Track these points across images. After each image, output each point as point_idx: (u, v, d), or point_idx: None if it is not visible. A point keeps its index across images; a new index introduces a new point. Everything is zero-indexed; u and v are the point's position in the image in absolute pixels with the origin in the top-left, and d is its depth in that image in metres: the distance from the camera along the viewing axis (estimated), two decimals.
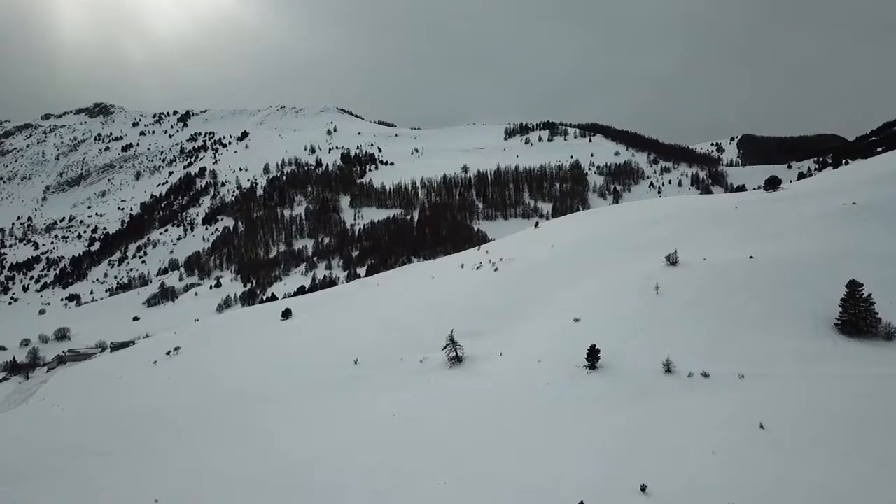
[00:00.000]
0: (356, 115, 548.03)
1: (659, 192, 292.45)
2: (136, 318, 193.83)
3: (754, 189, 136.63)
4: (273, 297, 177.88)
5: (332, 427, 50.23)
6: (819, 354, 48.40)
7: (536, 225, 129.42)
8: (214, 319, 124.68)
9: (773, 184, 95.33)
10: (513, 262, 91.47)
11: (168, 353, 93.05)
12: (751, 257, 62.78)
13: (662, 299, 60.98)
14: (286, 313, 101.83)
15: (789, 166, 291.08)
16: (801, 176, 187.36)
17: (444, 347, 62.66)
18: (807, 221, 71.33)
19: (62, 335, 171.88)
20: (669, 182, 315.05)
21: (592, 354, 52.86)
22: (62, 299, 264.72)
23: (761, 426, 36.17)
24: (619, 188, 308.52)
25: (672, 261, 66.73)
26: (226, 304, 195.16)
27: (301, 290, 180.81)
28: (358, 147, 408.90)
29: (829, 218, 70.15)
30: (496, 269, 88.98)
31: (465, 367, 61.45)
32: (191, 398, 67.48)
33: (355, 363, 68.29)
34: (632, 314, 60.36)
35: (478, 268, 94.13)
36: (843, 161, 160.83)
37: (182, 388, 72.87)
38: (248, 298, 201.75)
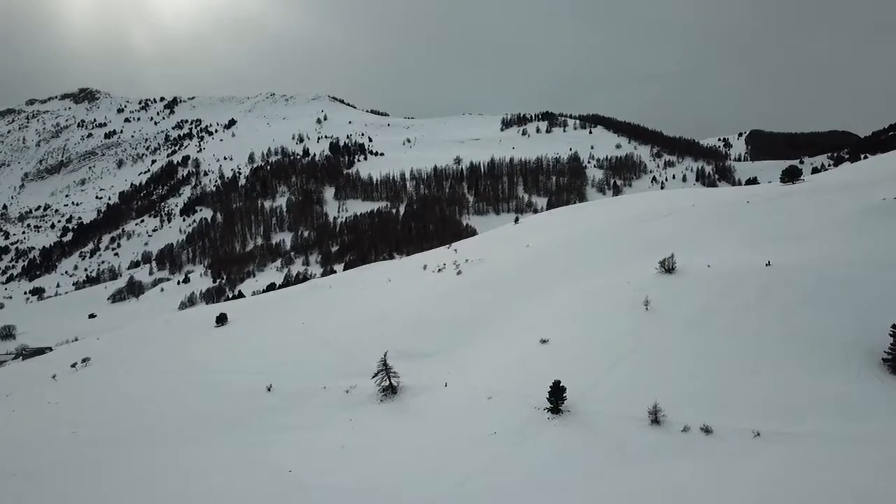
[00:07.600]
0: (348, 104, 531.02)
1: (662, 187, 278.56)
2: (92, 316, 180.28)
3: (768, 183, 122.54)
4: (241, 295, 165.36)
5: (204, 490, 37.69)
6: (864, 403, 35.80)
7: (517, 220, 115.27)
8: (151, 323, 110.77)
9: (791, 175, 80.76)
10: (480, 264, 77.86)
11: (74, 366, 79.10)
12: (768, 264, 49.84)
13: (653, 318, 48.19)
14: (221, 319, 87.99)
15: (801, 161, 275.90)
16: (815, 171, 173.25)
17: (376, 374, 50.14)
18: (838, 220, 57.36)
19: (7, 334, 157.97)
20: (673, 177, 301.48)
21: (556, 393, 40.74)
22: (25, 293, 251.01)
23: None
24: (619, 182, 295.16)
25: (668, 267, 53.76)
26: (190, 302, 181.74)
27: (271, 287, 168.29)
28: (348, 136, 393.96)
29: (865, 216, 56.19)
30: (459, 273, 75.24)
31: (399, 401, 49.19)
32: (59, 434, 53.98)
33: (269, 390, 55.36)
34: (613, 337, 47.89)
35: (439, 270, 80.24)
36: (861, 156, 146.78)
37: (59, 418, 59.16)
38: (216, 295, 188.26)
